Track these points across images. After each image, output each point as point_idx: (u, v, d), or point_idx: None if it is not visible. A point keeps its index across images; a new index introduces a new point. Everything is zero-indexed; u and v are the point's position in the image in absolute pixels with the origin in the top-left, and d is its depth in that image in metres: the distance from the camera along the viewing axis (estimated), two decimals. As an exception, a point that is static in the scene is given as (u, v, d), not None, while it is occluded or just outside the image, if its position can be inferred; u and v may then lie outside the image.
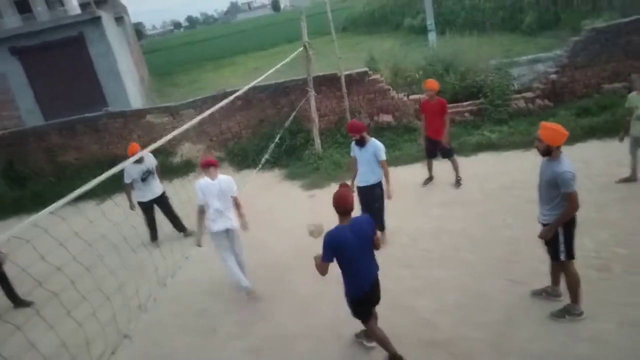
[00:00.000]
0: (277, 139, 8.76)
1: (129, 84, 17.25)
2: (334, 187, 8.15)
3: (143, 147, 5.55)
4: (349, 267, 3.58)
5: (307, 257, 3.98)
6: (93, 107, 12.82)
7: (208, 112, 4.75)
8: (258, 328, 4.75)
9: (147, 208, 7.08)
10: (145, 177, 6.91)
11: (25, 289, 5.90)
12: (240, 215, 5.25)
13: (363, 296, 3.68)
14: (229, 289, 5.52)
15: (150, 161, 7.07)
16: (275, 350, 4.39)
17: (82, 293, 3.75)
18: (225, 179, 5.20)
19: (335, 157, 9.30)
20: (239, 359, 4.38)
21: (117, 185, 7.02)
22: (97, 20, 15.83)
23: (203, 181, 5.12)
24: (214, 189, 5.07)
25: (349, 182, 3.33)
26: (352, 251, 3.50)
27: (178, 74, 29.84)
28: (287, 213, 7.52)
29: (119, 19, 21.29)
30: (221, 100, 5.70)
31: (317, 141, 9.66)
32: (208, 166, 5.18)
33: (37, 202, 8.73)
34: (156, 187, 7.08)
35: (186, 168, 10.53)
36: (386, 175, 5.62)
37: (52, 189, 9.66)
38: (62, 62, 15.89)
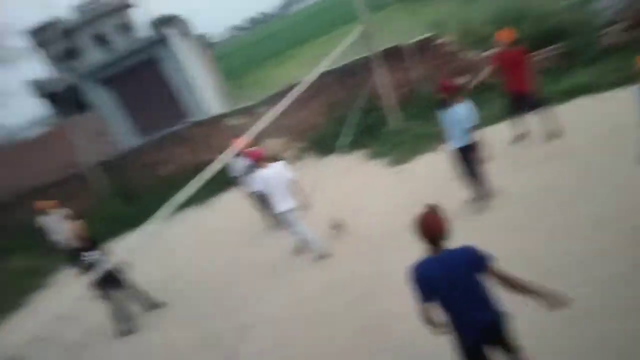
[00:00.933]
0: (353, 121, 8.78)
1: (205, 93, 18.14)
2: (419, 160, 8.15)
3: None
4: (445, 309, 2.81)
5: (402, 236, 3.94)
6: (178, 121, 13.69)
7: (280, 106, 4.92)
8: (362, 308, 4.85)
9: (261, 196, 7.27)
10: (248, 172, 7.06)
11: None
12: (300, 195, 5.92)
13: (471, 345, 2.83)
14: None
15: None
16: (380, 330, 4.46)
17: (200, 293, 4.08)
18: (278, 166, 5.98)
19: (415, 129, 9.14)
20: (350, 338, 4.50)
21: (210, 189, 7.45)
22: (164, 40, 16.77)
23: (260, 172, 5.99)
24: (270, 177, 5.87)
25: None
26: (445, 290, 2.73)
27: (247, 75, 30.77)
28: (376, 192, 7.57)
29: (185, 34, 22.38)
30: (292, 92, 5.90)
31: (393, 116, 9.55)
32: (257, 159, 6.03)
33: (149, 215, 9.50)
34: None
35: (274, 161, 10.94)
36: (477, 137, 5.45)
37: (160, 201, 10.51)
38: (143, 84, 17.08)
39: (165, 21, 22.66)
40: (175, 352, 4.62)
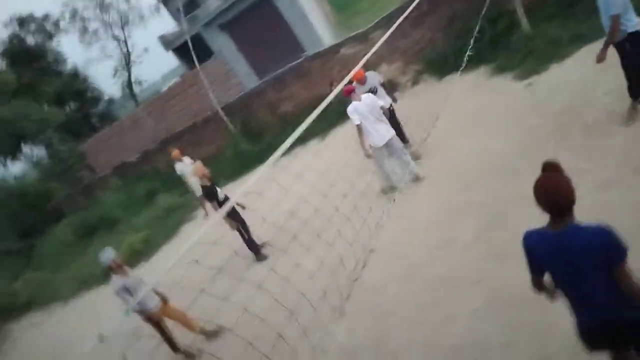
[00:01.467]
0: (475, 33, 7.92)
1: (318, 26, 17.97)
2: (554, 69, 7.14)
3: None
4: (561, 288, 2.32)
5: (536, 158, 3.41)
6: (295, 57, 13.89)
7: (392, 27, 4.58)
8: (494, 234, 4.57)
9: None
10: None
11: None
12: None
13: (586, 330, 2.33)
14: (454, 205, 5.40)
15: (372, 80, 7.00)
16: (517, 255, 4.14)
17: (323, 221, 4.20)
18: (367, 96, 6.02)
19: (550, 31, 7.93)
20: (481, 266, 4.32)
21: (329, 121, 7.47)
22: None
23: (352, 105, 5.95)
24: (363, 108, 5.87)
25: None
26: (561, 272, 2.24)
27: (357, 2, 29.58)
28: (503, 109, 6.87)
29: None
30: (405, 10, 5.43)
31: (524, 20, 8.38)
32: (349, 93, 5.99)
33: (272, 151, 10.09)
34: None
35: (390, 87, 10.52)
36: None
37: (281, 139, 11.06)
38: (259, 24, 17.51)
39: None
40: (305, 273, 4.88)
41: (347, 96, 6.02)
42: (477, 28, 8.04)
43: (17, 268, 13.56)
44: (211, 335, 5.80)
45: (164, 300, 5.70)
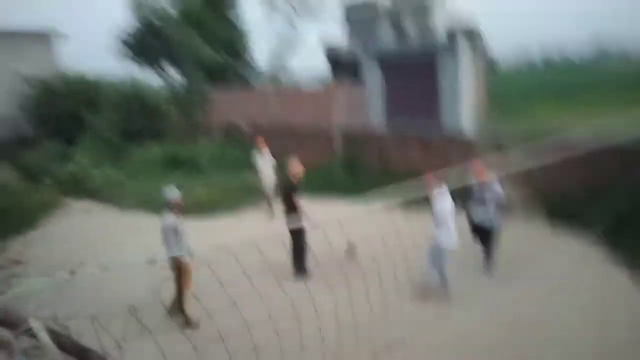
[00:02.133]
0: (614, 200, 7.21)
1: (465, 109, 17.92)
2: None
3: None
4: None
5: None
6: (428, 122, 13.96)
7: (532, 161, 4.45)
8: None
9: (476, 230, 7.05)
10: (476, 200, 6.86)
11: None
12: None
13: None
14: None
15: (492, 193, 6.77)
16: None
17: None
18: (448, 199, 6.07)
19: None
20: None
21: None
22: (453, 48, 17.04)
23: (436, 197, 6.09)
24: (439, 205, 6.06)
25: None
26: None
27: (518, 104, 28.93)
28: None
29: (475, 49, 22.25)
30: (557, 151, 5.27)
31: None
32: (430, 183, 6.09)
33: (366, 190, 9.81)
34: (480, 217, 6.86)
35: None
36: None
37: (379, 183, 11.12)
38: (414, 78, 17.86)
39: (463, 32, 22.91)
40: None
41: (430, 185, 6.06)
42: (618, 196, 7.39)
43: (104, 160, 14.89)
44: (190, 324, 5.84)
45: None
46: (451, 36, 17.06)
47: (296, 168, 7.49)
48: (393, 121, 16.00)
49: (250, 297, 3.33)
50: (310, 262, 7.04)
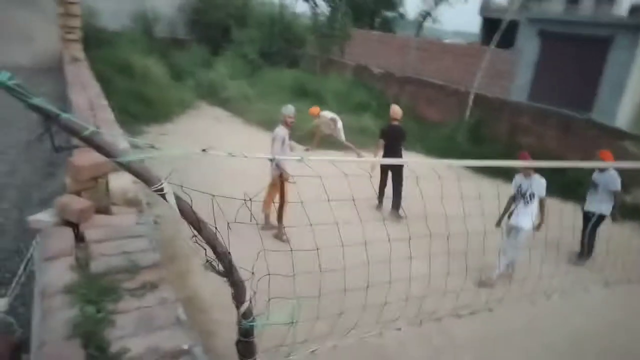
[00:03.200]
0: None
1: (627, 101, 15.58)
2: None
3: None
4: None
5: None
6: (577, 107, 12.48)
7: None
8: None
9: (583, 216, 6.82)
10: (591, 186, 6.64)
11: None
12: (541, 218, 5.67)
13: None
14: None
15: (608, 180, 6.44)
16: None
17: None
18: (537, 180, 5.60)
19: None
20: None
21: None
22: (637, 29, 14.56)
23: (518, 176, 5.78)
24: (524, 186, 5.65)
25: None
26: None
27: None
28: None
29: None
30: None
31: None
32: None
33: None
34: (591, 206, 6.64)
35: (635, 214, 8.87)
36: None
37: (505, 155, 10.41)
38: (576, 56, 15.80)
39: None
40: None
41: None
42: None
43: (240, 74, 15.74)
44: (280, 237, 6.28)
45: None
46: (636, 12, 14.65)
47: (397, 112, 7.84)
48: (536, 99, 14.54)
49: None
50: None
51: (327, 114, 10.72)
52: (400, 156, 7.76)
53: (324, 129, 10.66)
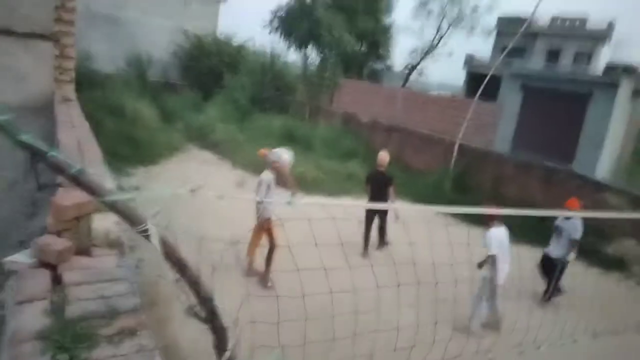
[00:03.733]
0: None
1: (605, 155, 16.05)
2: None
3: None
4: None
5: None
6: (559, 158, 12.80)
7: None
8: None
9: (546, 265, 6.92)
10: (555, 230, 6.92)
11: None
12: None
13: None
14: None
15: (571, 227, 6.69)
16: None
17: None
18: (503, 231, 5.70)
19: None
20: None
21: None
22: (613, 86, 15.25)
23: (492, 232, 5.64)
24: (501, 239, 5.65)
25: None
26: None
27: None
28: None
29: (637, 91, 19.82)
30: None
31: None
32: (490, 219, 5.74)
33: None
34: (554, 251, 6.85)
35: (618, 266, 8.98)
36: None
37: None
38: (557, 110, 16.39)
39: (627, 71, 20.55)
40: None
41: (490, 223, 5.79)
42: None
43: (230, 118, 15.94)
44: (265, 284, 6.13)
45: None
46: (611, 71, 15.34)
47: (384, 159, 8.08)
48: (519, 150, 14.90)
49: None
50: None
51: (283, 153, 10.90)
52: (386, 202, 7.82)
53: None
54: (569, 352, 5.24)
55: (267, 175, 6.24)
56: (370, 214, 7.90)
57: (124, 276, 2.72)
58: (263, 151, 10.67)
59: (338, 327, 2.91)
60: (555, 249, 6.83)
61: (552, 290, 6.70)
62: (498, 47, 28.06)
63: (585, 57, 28.39)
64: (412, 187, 11.48)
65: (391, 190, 7.89)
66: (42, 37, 9.88)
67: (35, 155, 1.66)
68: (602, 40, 29.10)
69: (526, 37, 28.31)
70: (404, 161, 14.14)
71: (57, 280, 2.60)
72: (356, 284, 2.83)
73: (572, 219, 6.66)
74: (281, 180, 6.44)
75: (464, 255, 3.05)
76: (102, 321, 2.23)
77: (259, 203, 6.09)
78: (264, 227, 6.18)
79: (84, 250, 3.00)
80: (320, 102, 18.69)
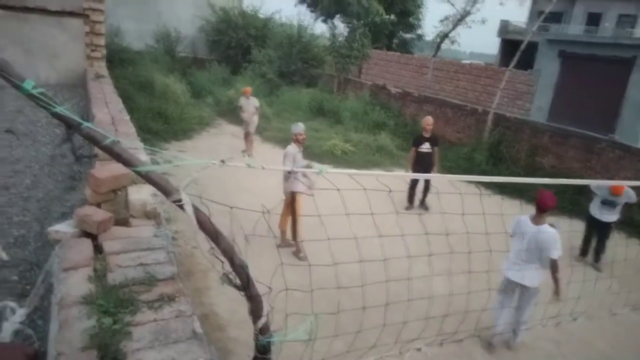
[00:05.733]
0: None
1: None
2: None
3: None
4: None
5: None
6: (598, 128, 12.28)
7: None
8: None
9: (589, 224, 7.28)
10: (606, 203, 6.97)
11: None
12: (554, 280, 4.29)
13: None
14: None
15: (625, 198, 6.90)
16: None
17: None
18: (547, 231, 4.23)
19: None
20: None
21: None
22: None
23: (522, 217, 4.47)
24: (529, 233, 4.28)
25: None
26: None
27: None
28: None
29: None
30: None
31: None
32: (542, 208, 4.32)
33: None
34: (607, 217, 7.00)
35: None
36: None
37: (525, 175, 10.34)
38: (597, 77, 15.64)
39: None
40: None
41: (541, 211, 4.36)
42: None
43: (258, 92, 15.94)
44: (298, 255, 6.21)
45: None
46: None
47: (429, 122, 8.61)
48: (556, 119, 14.37)
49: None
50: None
51: (256, 102, 11.13)
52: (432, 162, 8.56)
53: (244, 111, 10.94)
54: (607, 325, 5.15)
55: (293, 148, 6.24)
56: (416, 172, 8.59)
57: (161, 245, 2.81)
58: (247, 89, 11.06)
59: (370, 296, 2.92)
60: (609, 216, 6.98)
61: (603, 249, 7.07)
62: (534, 13, 26.78)
63: (629, 19, 26.71)
64: (445, 159, 11.27)
65: (436, 152, 8.61)
66: (73, 14, 10.05)
67: (70, 127, 1.70)
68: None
69: (564, 1, 26.87)
70: (436, 132, 13.87)
71: (98, 249, 2.71)
72: (388, 253, 2.82)
73: (625, 191, 6.83)
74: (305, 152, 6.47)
75: (498, 226, 2.98)
76: (142, 287, 2.32)
77: (287, 174, 6.13)
78: (291, 199, 6.23)
79: (122, 221, 3.11)
80: (349, 74, 18.40)
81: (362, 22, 17.58)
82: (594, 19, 27.44)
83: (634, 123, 14.74)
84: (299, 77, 18.10)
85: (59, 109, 1.58)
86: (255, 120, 11.12)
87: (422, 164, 8.47)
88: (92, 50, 10.43)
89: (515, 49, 13.61)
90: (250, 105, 11.01)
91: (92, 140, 1.68)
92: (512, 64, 13.19)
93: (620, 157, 10.01)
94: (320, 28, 20.21)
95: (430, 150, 8.52)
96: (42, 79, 9.60)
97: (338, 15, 18.48)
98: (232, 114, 14.65)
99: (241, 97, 11.28)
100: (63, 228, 2.85)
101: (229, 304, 4.66)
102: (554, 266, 4.25)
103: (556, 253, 4.19)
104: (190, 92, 15.02)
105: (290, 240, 6.47)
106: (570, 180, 2.66)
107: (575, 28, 25.36)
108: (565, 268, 4.24)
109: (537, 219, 4.33)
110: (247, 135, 11.19)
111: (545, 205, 4.25)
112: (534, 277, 4.37)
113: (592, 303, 3.85)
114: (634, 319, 5.25)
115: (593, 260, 7.18)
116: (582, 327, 4.96)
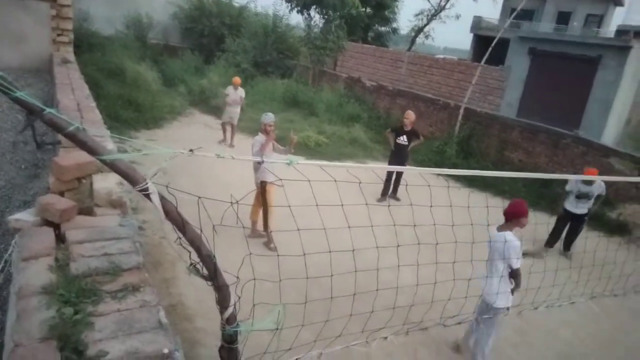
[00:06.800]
0: None
1: (613, 121, 15.88)
2: None
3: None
4: None
5: None
6: (565, 123, 12.69)
7: None
8: None
9: (563, 217, 7.48)
10: (581, 196, 7.25)
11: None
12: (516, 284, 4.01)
13: None
14: None
15: (597, 189, 7.22)
16: None
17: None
18: (508, 240, 3.82)
19: None
20: None
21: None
22: (624, 50, 14.88)
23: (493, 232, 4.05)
24: (497, 243, 3.93)
25: None
26: None
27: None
28: None
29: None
30: None
31: None
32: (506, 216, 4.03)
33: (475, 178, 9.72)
34: (581, 209, 7.30)
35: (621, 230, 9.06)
36: None
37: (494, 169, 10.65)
38: (565, 75, 16.10)
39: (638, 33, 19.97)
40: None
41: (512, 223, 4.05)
42: None
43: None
44: (268, 245, 6.23)
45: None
46: (623, 34, 14.97)
47: (408, 117, 8.78)
48: (525, 115, 14.75)
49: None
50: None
51: (242, 92, 11.22)
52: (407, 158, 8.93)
53: (229, 101, 10.98)
54: (567, 313, 5.35)
55: (260, 138, 6.21)
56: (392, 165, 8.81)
57: (127, 235, 2.75)
58: (236, 79, 11.01)
59: (338, 286, 2.95)
60: (583, 208, 7.31)
61: (576, 238, 7.41)
62: (506, 10, 27.27)
63: (596, 19, 27.55)
64: (417, 152, 11.41)
65: (417, 143, 9.00)
66: (38, -4, 9.65)
67: (31, 113, 1.64)
68: (614, 1, 28.19)
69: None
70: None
71: (60, 239, 2.63)
72: (357, 244, 2.85)
73: (596, 183, 7.17)
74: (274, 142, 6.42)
75: (465, 218, 3.05)
76: (105, 277, 2.27)
77: (256, 165, 6.10)
78: (261, 189, 6.21)
79: (86, 210, 3.03)
80: (324, 66, 18.36)
81: (338, 14, 17.52)
82: (564, 18, 28.16)
83: (598, 119, 15.27)
84: (273, 68, 17.95)
85: (19, 94, 1.52)
86: (238, 111, 11.02)
87: (398, 155, 8.71)
88: (59, 35, 10.05)
89: (487, 45, 13.85)
90: (237, 95, 10.95)
91: (55, 127, 1.63)
92: (484, 59, 13.43)
93: (584, 152, 10.39)
94: (295, 19, 19.99)
95: (406, 143, 8.72)
96: (5, 63, 9.21)
97: (314, 7, 18.35)
98: (205, 103, 14.44)
99: (229, 87, 11.21)
100: (24, 216, 2.76)
101: (197, 294, 4.62)
102: (515, 275, 3.99)
103: (516, 262, 3.92)
104: (162, 81, 14.70)
105: (261, 231, 6.45)
106: (537, 174, 2.73)
107: (546, 26, 25.97)
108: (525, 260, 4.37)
109: (501, 227, 4.07)
110: (225, 126, 11.06)
111: (507, 212, 4.02)
112: (493, 292, 3.95)
113: (552, 292, 3.99)
114: (594, 310, 5.47)
115: (563, 250, 7.55)
116: (546, 317, 5.15)
